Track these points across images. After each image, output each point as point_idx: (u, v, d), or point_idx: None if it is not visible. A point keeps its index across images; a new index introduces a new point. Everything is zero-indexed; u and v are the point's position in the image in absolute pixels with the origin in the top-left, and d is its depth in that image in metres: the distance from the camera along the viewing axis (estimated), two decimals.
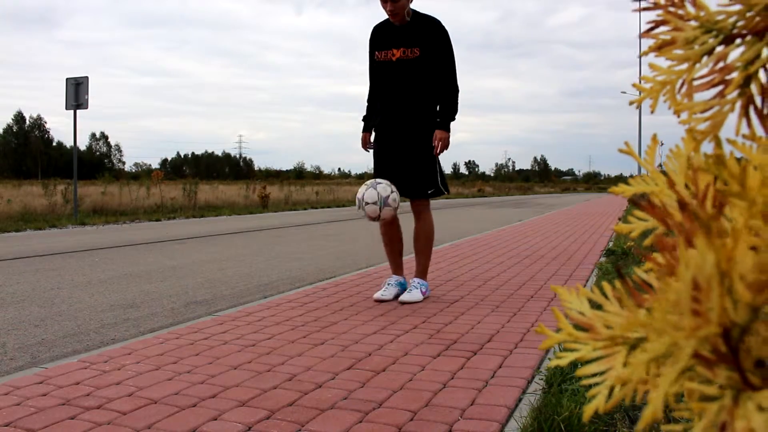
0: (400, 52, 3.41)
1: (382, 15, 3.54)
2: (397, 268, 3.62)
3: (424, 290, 3.53)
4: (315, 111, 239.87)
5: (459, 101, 3.47)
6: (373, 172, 3.68)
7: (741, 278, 0.23)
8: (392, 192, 3.38)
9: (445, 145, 3.46)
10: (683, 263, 0.23)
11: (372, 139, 3.65)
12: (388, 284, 3.54)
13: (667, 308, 0.24)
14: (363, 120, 3.70)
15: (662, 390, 0.24)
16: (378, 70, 3.52)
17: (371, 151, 3.66)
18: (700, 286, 0.23)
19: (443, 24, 3.45)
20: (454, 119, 3.47)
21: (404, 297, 3.44)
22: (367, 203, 3.37)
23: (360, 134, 3.71)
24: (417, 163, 3.47)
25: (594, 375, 0.30)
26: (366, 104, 3.69)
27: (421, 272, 3.58)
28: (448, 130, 3.45)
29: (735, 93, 0.29)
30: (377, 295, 3.49)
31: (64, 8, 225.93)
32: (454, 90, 3.45)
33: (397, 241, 3.62)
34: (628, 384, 0.26)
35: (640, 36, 0.31)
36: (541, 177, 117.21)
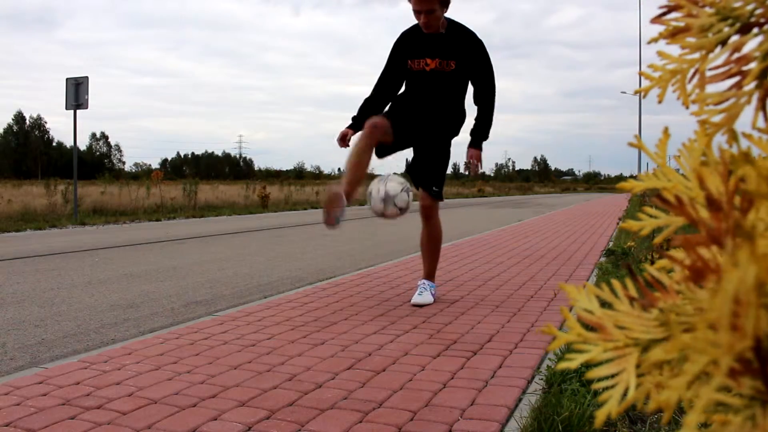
0: (436, 62, 3.27)
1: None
2: (351, 190, 3.16)
3: (433, 292, 3.50)
4: (314, 111, 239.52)
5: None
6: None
7: None
8: (401, 191, 3.25)
9: (478, 166, 3.44)
10: (726, 278, 0.22)
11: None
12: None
13: (707, 326, 0.23)
14: (353, 119, 3.40)
15: (697, 411, 0.23)
16: (409, 79, 3.39)
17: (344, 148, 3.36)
18: (740, 300, 0.22)
19: (479, 36, 3.32)
20: (487, 138, 3.41)
21: (416, 299, 3.40)
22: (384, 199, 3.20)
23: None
24: (434, 153, 3.40)
25: (603, 378, 0.29)
26: (362, 103, 3.44)
27: (429, 274, 3.55)
28: (481, 148, 3.41)
29: (752, 85, 0.28)
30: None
31: (64, 8, 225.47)
32: (492, 109, 3.38)
33: (365, 166, 3.23)
34: (642, 387, 0.25)
35: (651, 21, 0.30)
36: (541, 177, 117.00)
